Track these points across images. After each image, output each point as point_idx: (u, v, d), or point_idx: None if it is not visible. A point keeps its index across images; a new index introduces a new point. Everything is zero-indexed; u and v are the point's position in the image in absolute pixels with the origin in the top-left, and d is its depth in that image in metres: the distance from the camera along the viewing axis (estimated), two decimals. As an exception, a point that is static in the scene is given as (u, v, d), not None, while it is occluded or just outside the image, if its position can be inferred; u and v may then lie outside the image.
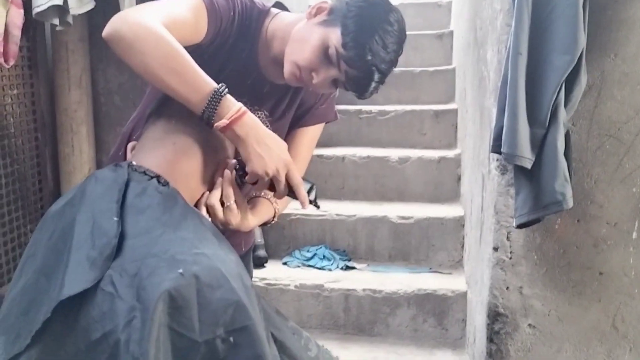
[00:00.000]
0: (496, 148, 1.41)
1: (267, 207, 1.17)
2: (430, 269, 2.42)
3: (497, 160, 1.51)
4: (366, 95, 1.07)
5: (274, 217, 1.18)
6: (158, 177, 0.83)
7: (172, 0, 1.00)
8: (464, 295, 2.19)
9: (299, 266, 2.46)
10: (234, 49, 1.11)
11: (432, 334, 2.23)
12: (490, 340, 1.59)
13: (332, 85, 1.06)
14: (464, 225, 2.41)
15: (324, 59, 1.02)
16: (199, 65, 0.91)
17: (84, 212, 0.77)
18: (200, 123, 0.88)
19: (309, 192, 1.02)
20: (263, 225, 1.20)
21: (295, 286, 2.29)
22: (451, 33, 3.45)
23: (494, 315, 1.57)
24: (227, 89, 0.89)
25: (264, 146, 0.90)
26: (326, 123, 1.33)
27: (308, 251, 2.51)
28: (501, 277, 1.55)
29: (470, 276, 2.11)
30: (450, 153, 2.72)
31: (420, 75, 3.22)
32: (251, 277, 1.51)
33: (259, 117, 1.17)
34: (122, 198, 0.78)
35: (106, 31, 0.90)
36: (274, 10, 1.15)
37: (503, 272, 1.55)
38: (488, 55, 1.71)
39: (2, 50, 1.60)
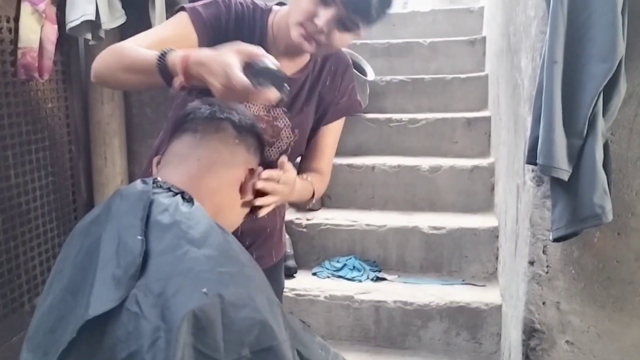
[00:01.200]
0: (531, 159, 1.36)
1: (306, 185, 1.22)
2: (463, 280, 2.37)
3: (533, 171, 1.47)
4: (373, 16, 1.07)
5: (312, 196, 1.23)
6: (182, 193, 0.82)
7: (160, 25, 1.11)
8: (498, 308, 2.13)
9: (328, 277, 2.44)
10: None
11: (465, 347, 2.17)
12: (526, 356, 1.54)
13: (340, 26, 1.06)
14: (498, 236, 2.35)
15: (319, 1, 1.05)
16: None
17: (109, 230, 0.77)
18: (225, 138, 0.90)
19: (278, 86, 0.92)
20: (302, 203, 1.22)
21: (325, 297, 2.27)
22: (483, 39, 3.39)
23: (530, 331, 1.52)
24: (167, 51, 0.92)
25: (208, 70, 0.88)
26: (354, 114, 1.35)
27: (338, 262, 2.49)
28: (537, 292, 1.50)
29: (505, 289, 2.05)
30: (483, 162, 2.67)
31: (452, 83, 3.17)
32: (282, 287, 1.52)
33: (276, 113, 1.22)
34: (147, 215, 0.78)
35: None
36: (276, 7, 1.20)
37: (539, 286, 1.50)
38: (522, 62, 1.67)
39: (37, 65, 1.64)
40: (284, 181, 1.01)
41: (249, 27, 1.16)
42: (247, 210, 0.95)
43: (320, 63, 1.27)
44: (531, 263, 1.50)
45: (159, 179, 0.85)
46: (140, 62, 0.95)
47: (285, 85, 0.90)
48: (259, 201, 0.96)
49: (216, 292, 0.69)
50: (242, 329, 0.70)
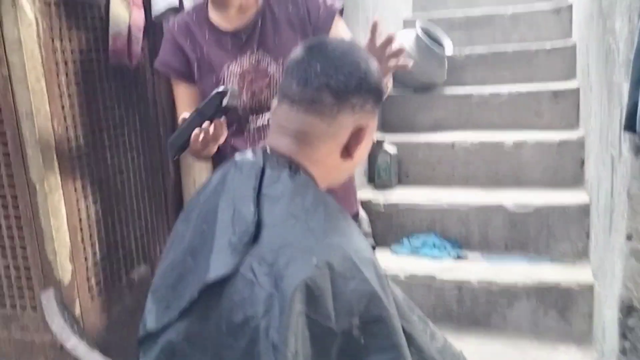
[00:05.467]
0: (630, 126, 1.28)
1: None
2: (552, 259, 2.27)
3: (630, 140, 1.38)
4: None
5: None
6: (290, 164, 0.84)
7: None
8: (590, 287, 2.03)
9: (408, 255, 2.41)
10: (205, 48, 1.39)
11: (554, 327, 2.09)
12: (623, 336, 1.46)
13: None
14: (589, 213, 2.23)
15: None
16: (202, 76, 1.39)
17: (225, 199, 0.82)
18: (321, 109, 0.87)
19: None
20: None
21: (406, 277, 2.25)
22: (570, 7, 3.20)
23: (628, 310, 1.44)
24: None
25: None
26: (339, 14, 1.37)
27: (417, 239, 2.46)
28: (636, 269, 1.41)
29: (598, 267, 1.95)
30: (572, 135, 2.53)
31: (536, 53, 3.02)
32: None
33: (254, 58, 1.37)
34: (259, 185, 0.81)
35: None
36: None
37: (637, 262, 1.41)
38: (617, 25, 1.56)
39: (126, 51, 1.72)
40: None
41: (196, 19, 1.39)
42: (353, 166, 0.93)
43: (275, 1, 1.37)
44: (629, 238, 1.42)
45: (267, 149, 0.87)
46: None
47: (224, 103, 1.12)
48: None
49: (325, 263, 0.71)
50: (351, 299, 0.71)
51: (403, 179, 2.77)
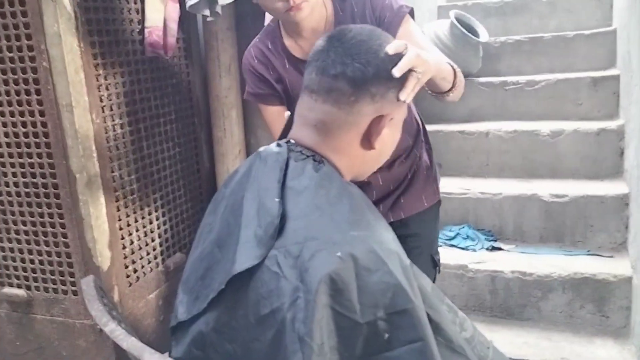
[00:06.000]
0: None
1: (441, 59, 1.19)
2: (589, 251, 2.23)
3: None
4: None
5: (454, 78, 1.20)
6: (314, 155, 0.85)
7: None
8: (628, 280, 1.98)
9: (440, 245, 2.40)
10: (281, 72, 1.33)
11: (590, 320, 2.05)
12: (662, 331, 1.42)
13: None
14: (628, 204, 2.17)
15: None
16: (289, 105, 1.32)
17: (251, 191, 0.82)
18: (339, 98, 0.85)
19: None
20: (441, 86, 1.19)
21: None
22: (611, -10, 3.10)
23: (668, 304, 1.40)
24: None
25: None
26: (410, 15, 1.28)
27: (450, 230, 2.44)
28: (676, 262, 1.37)
29: (637, 259, 1.90)
30: (611, 124, 2.46)
31: (575, 40, 2.93)
32: (435, 235, 1.52)
33: None
34: (284, 177, 0.81)
35: None
36: (269, 21, 1.38)
37: (679, 256, 1.37)
38: (660, 10, 1.50)
39: (162, 42, 1.75)
40: (412, 50, 0.90)
41: (272, 47, 1.32)
42: (379, 156, 0.92)
43: (345, 16, 1.27)
44: (670, 230, 1.38)
45: (292, 141, 0.88)
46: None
47: None
48: (408, 87, 0.87)
49: (350, 256, 0.71)
50: (376, 291, 0.71)
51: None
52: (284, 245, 0.74)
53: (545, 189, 2.36)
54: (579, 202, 2.27)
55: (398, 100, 0.86)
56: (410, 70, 0.87)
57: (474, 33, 2.93)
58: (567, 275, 2.06)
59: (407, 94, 0.86)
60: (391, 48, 0.85)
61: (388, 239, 0.79)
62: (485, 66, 2.99)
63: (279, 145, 0.88)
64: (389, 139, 0.89)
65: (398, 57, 0.85)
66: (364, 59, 0.83)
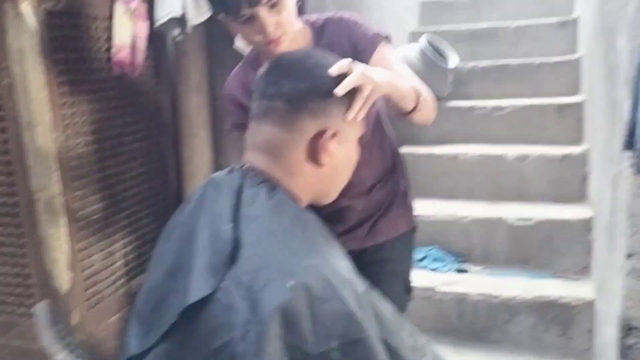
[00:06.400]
0: (629, 145, 1.27)
1: (404, 82, 1.16)
2: (553, 274, 2.26)
3: (631, 158, 1.37)
4: None
5: (417, 102, 1.19)
6: (268, 180, 0.84)
7: None
8: (591, 304, 2.01)
9: (410, 267, 2.40)
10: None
11: (555, 343, 2.07)
12: (622, 355, 1.44)
13: (256, 20, 1.10)
14: (591, 229, 2.22)
15: (244, 23, 1.12)
16: None
17: (204, 218, 0.81)
18: (277, 119, 0.87)
19: None
20: (402, 106, 1.17)
21: (406, 288, 2.24)
22: (575, 20, 3.20)
23: (627, 329, 1.42)
24: None
25: None
26: (384, 41, 1.28)
27: (419, 252, 2.45)
28: (636, 287, 1.40)
29: (600, 284, 1.94)
30: (575, 150, 2.52)
31: (541, 67, 3.01)
32: (410, 263, 1.50)
33: None
34: (238, 203, 0.80)
35: None
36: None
37: (637, 281, 1.40)
38: (619, 43, 1.55)
39: (130, 61, 1.73)
40: (357, 69, 0.90)
41: (253, 78, 1.29)
42: (337, 175, 0.90)
43: (322, 44, 1.26)
44: (629, 256, 1.40)
45: (245, 165, 0.87)
46: None
47: None
48: (355, 105, 0.88)
49: (303, 286, 0.70)
50: (329, 321, 0.70)
51: (405, 190, 2.76)
52: (236, 275, 0.73)
53: (512, 212, 2.40)
54: (545, 226, 2.30)
55: (345, 119, 0.86)
56: (356, 89, 0.88)
57: (445, 58, 2.98)
58: (532, 299, 2.08)
59: (353, 113, 0.88)
60: (334, 69, 0.86)
61: (342, 266, 0.78)
62: (455, 90, 3.04)
63: (232, 170, 0.87)
64: (340, 155, 0.87)
65: (344, 75, 0.86)
66: (296, 76, 0.85)
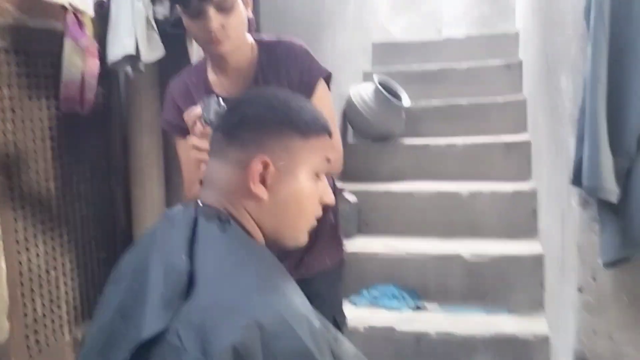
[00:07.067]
0: (576, 181, 1.31)
1: None
2: (508, 310, 2.28)
3: (578, 194, 1.41)
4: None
5: None
6: (219, 215, 0.81)
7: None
8: (546, 339, 2.03)
9: (367, 305, 2.38)
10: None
11: (512, 380, 2.07)
12: (578, 390, 1.45)
13: (204, 17, 1.18)
14: (543, 264, 2.26)
15: (191, 19, 1.20)
16: None
17: (157, 253, 0.78)
18: (217, 150, 0.89)
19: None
20: None
21: (365, 328, 2.21)
22: (520, 63, 3.35)
23: (582, 363, 1.44)
24: None
25: None
26: (325, 81, 1.35)
27: (376, 289, 2.44)
28: (587, 321, 1.42)
29: (553, 319, 1.96)
30: (524, 186, 2.59)
31: (489, 107, 3.12)
32: (340, 298, 1.54)
33: None
34: (192, 237, 0.78)
35: None
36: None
37: (589, 315, 1.42)
38: (562, 83, 1.62)
39: (79, 98, 1.68)
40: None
41: (196, 81, 1.36)
42: (288, 209, 0.86)
43: (268, 63, 1.34)
44: (580, 290, 1.43)
45: (199, 201, 0.85)
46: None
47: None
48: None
49: (256, 324, 0.68)
50: (283, 358, 0.68)
51: (363, 228, 2.77)
52: (187, 315, 0.70)
53: (466, 248, 2.42)
54: (498, 262, 2.34)
55: (286, 146, 0.84)
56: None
57: (397, 97, 3.05)
58: (489, 335, 2.09)
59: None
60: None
61: (297, 302, 0.76)
62: (409, 128, 3.10)
63: (186, 205, 0.85)
64: (286, 191, 0.84)
65: (283, 107, 0.87)
66: (234, 108, 0.88)
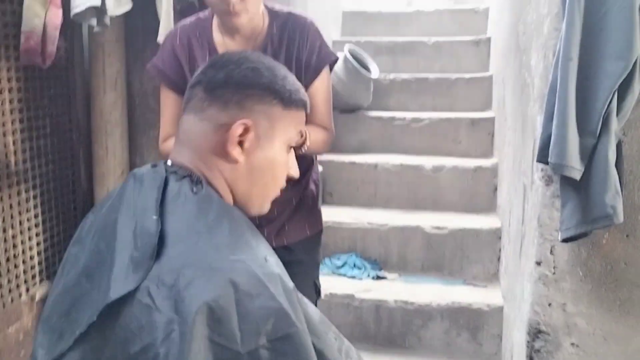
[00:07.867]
0: (542, 157, 1.34)
1: (314, 129, 1.38)
2: (465, 281, 2.35)
3: (542, 170, 1.45)
4: None
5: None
6: (191, 175, 0.80)
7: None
8: (499, 309, 2.11)
9: (329, 274, 2.41)
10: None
11: (465, 348, 2.15)
12: (530, 358, 1.52)
13: None
14: (500, 238, 2.33)
15: None
16: None
17: (125, 213, 0.76)
18: (197, 106, 0.85)
19: None
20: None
21: (325, 295, 2.24)
22: (488, 40, 3.38)
23: (535, 333, 1.50)
24: None
25: None
26: (331, 66, 1.40)
27: (338, 259, 2.47)
28: (543, 293, 1.48)
29: (508, 290, 2.03)
30: (486, 162, 2.65)
31: (456, 83, 3.15)
32: (317, 264, 1.58)
33: None
34: (162, 198, 0.76)
35: None
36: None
37: (545, 287, 1.48)
38: (532, 61, 1.65)
39: (40, 50, 1.60)
40: None
41: (200, 37, 1.34)
42: (260, 174, 0.85)
43: (278, 34, 1.34)
44: (538, 264, 1.48)
45: (168, 162, 0.83)
46: None
47: None
48: None
49: (229, 282, 0.67)
50: (257, 318, 0.68)
51: (327, 198, 2.78)
52: (158, 274, 0.68)
53: (428, 221, 2.47)
54: (457, 235, 2.40)
55: (268, 110, 0.82)
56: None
57: (366, 68, 3.04)
58: (445, 305, 2.15)
59: None
60: None
61: (270, 261, 0.75)
62: (375, 101, 3.10)
63: (155, 165, 0.83)
64: (260, 156, 0.83)
65: (271, 71, 0.84)
66: (219, 66, 0.83)
